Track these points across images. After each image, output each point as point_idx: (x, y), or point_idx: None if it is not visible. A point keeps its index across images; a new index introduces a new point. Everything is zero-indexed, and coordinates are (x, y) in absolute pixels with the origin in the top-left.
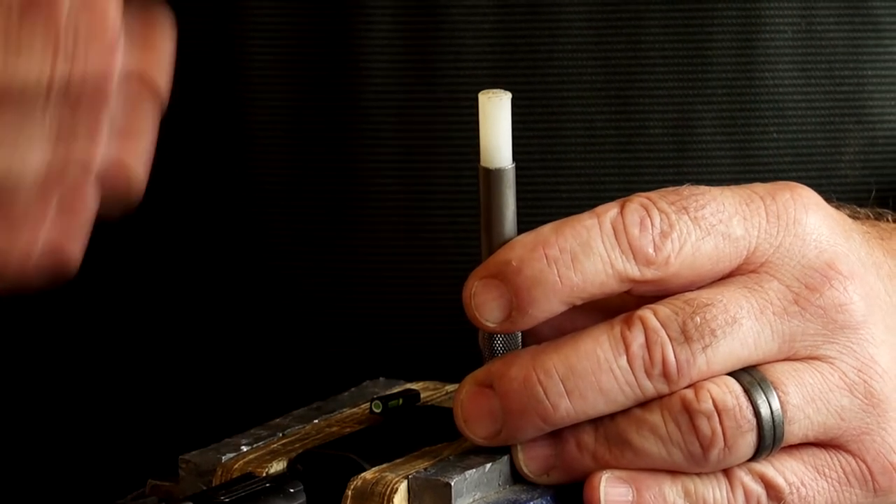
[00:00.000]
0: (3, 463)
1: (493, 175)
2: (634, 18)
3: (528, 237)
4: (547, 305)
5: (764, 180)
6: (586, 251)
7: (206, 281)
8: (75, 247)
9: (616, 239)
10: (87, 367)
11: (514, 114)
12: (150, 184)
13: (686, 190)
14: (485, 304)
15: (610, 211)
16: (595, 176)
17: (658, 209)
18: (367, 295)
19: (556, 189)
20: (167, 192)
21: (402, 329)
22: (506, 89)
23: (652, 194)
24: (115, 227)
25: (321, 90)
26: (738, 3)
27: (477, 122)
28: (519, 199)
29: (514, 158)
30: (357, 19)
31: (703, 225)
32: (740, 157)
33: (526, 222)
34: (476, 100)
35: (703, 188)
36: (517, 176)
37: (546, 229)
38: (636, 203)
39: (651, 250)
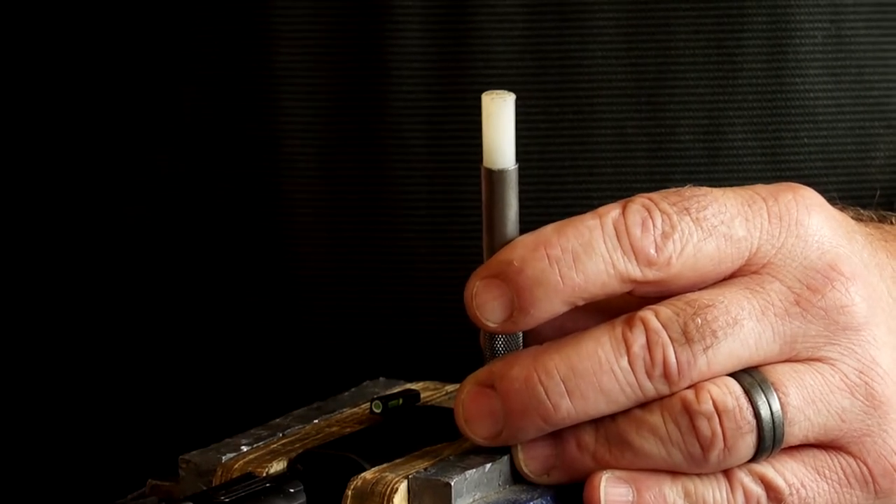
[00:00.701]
0: (3, 463)
1: (495, 176)
2: (664, 24)
3: (529, 237)
4: (548, 305)
5: None
6: (588, 251)
7: (215, 283)
8: None
9: (618, 239)
10: (88, 368)
11: (544, 120)
12: (178, 189)
13: (688, 191)
14: (486, 304)
15: (612, 211)
16: (626, 182)
17: (660, 210)
18: (393, 300)
19: (586, 195)
20: (193, 197)
21: (424, 333)
22: (536, 96)
23: (654, 195)
24: (123, 227)
25: (351, 97)
26: (768, 8)
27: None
28: (550, 206)
29: (545, 165)
30: (387, 26)
31: (704, 226)
32: (771, 162)
33: None
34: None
35: (705, 189)
36: (546, 180)
37: (548, 229)
38: (638, 203)
39: (652, 251)
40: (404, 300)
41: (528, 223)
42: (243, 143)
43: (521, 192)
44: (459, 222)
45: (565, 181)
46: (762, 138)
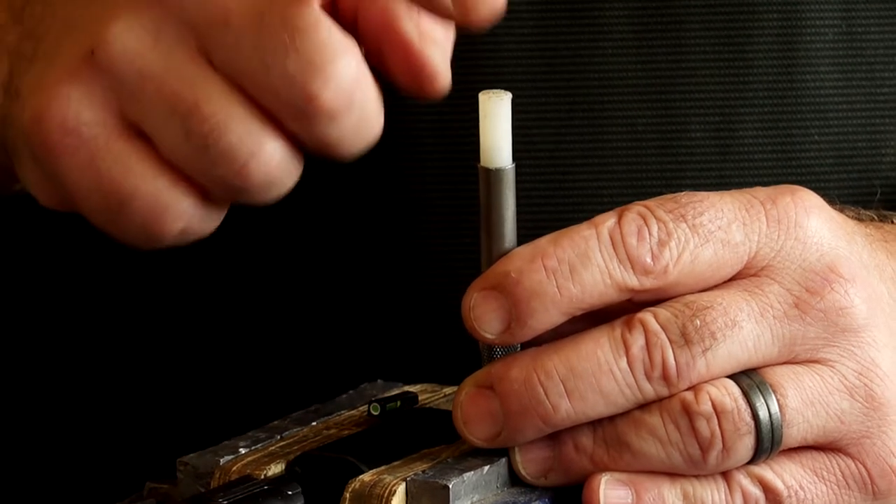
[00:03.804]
0: (4, 463)
1: (492, 175)
2: (676, 21)
3: (526, 248)
4: (546, 317)
5: (806, 182)
6: (584, 262)
7: (215, 287)
8: None
9: (614, 249)
10: (87, 368)
11: (555, 117)
12: None
13: (684, 197)
14: (484, 316)
15: (608, 221)
16: (637, 178)
17: (656, 218)
18: (407, 302)
19: (598, 191)
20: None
21: (437, 335)
22: (547, 93)
23: (650, 202)
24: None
25: None
26: (779, 5)
27: (518, 126)
28: (561, 202)
29: (556, 161)
30: None
31: (701, 232)
32: (782, 159)
33: (569, 224)
34: (517, 103)
35: (702, 194)
36: (558, 177)
37: (544, 241)
38: (634, 212)
39: (649, 259)
40: (420, 302)
41: (540, 220)
42: None
43: (532, 188)
44: (473, 223)
45: (577, 178)
46: (773, 135)
